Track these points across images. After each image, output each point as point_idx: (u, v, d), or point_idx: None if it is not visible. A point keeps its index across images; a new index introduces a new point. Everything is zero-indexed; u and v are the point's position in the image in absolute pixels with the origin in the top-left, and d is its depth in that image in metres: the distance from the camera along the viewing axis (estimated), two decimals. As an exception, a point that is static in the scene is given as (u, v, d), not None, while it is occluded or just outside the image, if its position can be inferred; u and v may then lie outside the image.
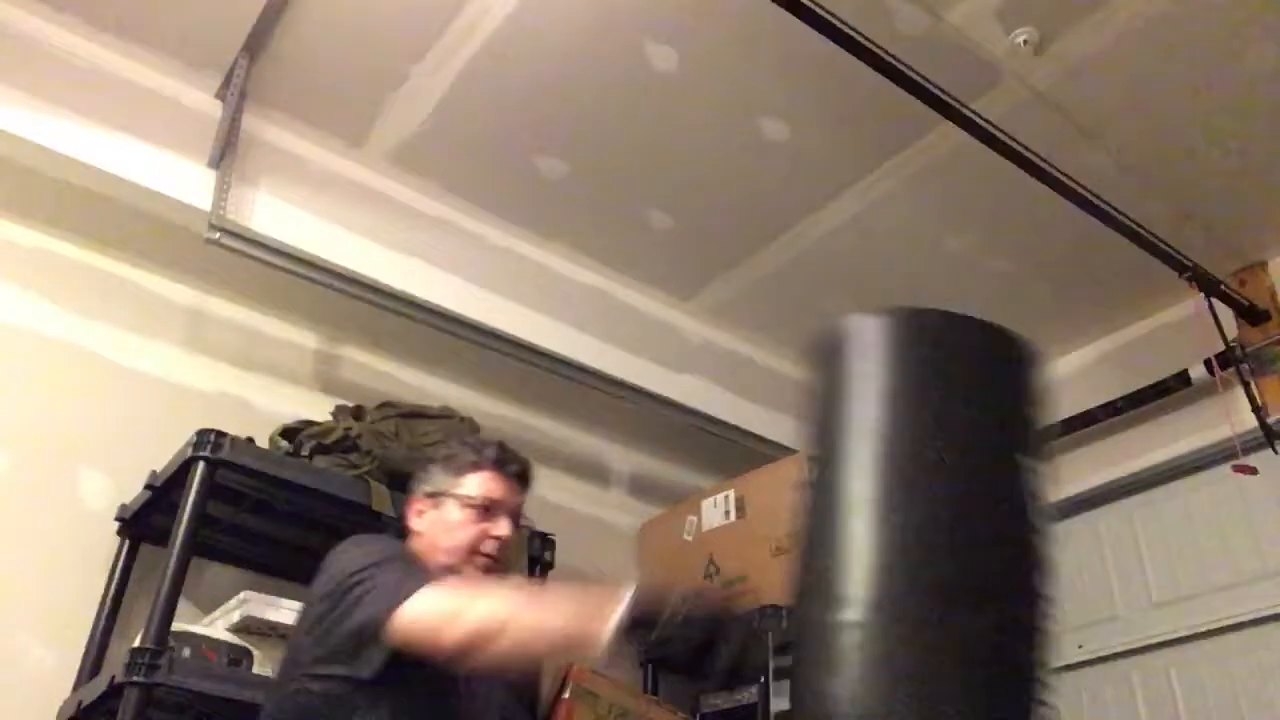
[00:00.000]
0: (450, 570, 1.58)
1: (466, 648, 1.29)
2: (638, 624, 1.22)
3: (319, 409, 2.54)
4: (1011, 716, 1.04)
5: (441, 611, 1.33)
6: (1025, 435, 1.17)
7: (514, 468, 1.69)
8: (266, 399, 2.63)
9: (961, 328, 1.20)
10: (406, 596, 1.34)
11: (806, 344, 1.28)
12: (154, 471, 2.23)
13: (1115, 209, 2.60)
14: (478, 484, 1.64)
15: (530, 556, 2.45)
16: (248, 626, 2.04)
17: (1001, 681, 1.05)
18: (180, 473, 2.07)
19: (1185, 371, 3.01)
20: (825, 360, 1.24)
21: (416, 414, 2.44)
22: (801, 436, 1.24)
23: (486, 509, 1.63)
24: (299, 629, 1.51)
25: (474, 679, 1.52)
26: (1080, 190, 2.53)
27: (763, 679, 2.60)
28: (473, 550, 1.60)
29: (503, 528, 1.62)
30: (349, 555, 1.49)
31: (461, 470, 1.66)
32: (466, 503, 1.62)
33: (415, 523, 1.66)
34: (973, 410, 1.15)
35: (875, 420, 1.14)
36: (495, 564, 1.62)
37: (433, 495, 1.66)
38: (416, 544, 1.65)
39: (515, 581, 1.29)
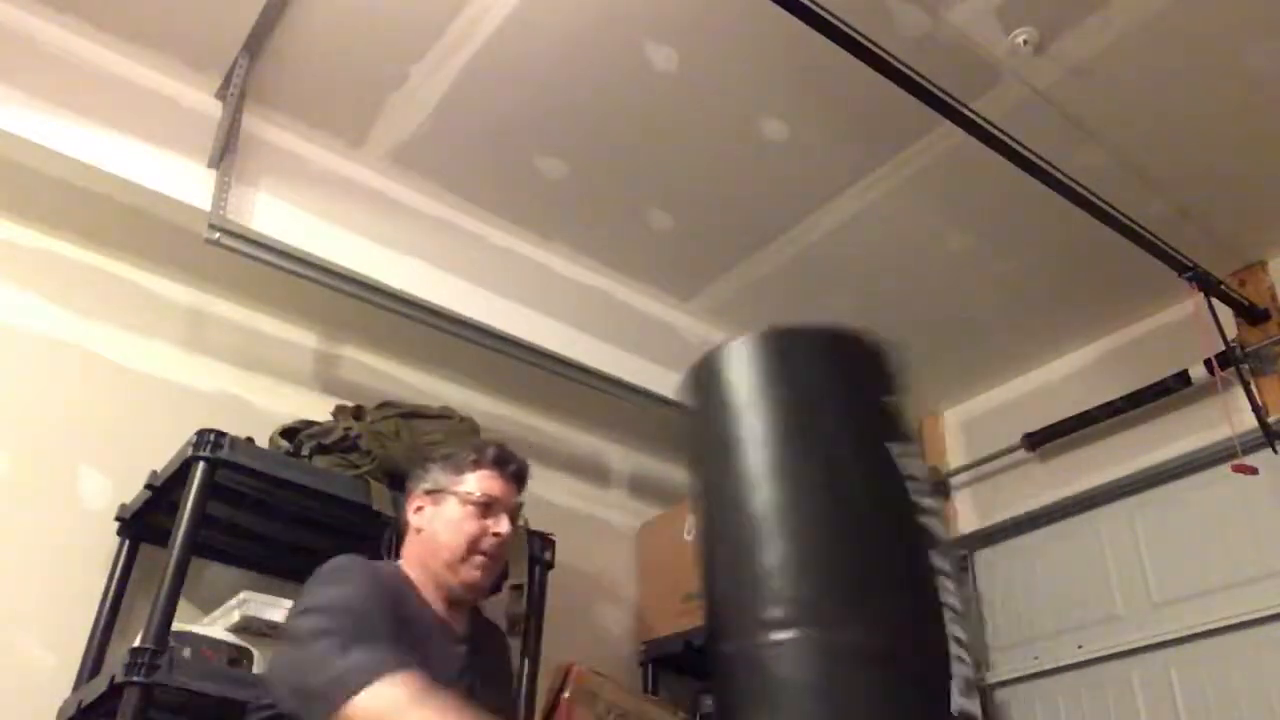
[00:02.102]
0: (450, 568, 1.59)
1: None
2: None
3: (319, 409, 2.54)
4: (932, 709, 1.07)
5: (387, 712, 1.29)
6: (890, 423, 1.22)
7: (513, 467, 1.73)
8: (266, 399, 2.63)
9: (806, 336, 1.29)
10: (360, 682, 1.29)
11: (679, 386, 1.36)
12: (154, 471, 2.22)
13: (1115, 209, 2.59)
14: (478, 482, 1.67)
15: (530, 556, 2.45)
16: (248, 626, 2.04)
17: (918, 670, 1.08)
18: (180, 473, 2.07)
19: (1185, 371, 3.01)
20: (700, 390, 1.31)
21: (416, 414, 2.45)
22: (688, 473, 1.30)
23: (486, 506, 1.65)
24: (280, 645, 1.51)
25: (459, 685, 1.51)
26: (1080, 190, 2.53)
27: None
28: (472, 548, 1.62)
29: (503, 525, 1.65)
30: (315, 595, 1.45)
31: (462, 468, 1.69)
32: (466, 500, 1.65)
33: (414, 519, 1.69)
34: (835, 410, 1.23)
35: (754, 438, 1.20)
36: (493, 561, 1.65)
37: (432, 492, 1.68)
38: (415, 541, 1.65)
39: (453, 704, 1.29)
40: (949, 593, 1.12)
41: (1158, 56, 2.38)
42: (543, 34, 2.43)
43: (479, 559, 1.62)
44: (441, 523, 1.64)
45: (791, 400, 1.22)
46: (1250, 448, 2.76)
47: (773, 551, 1.12)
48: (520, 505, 1.76)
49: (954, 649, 1.08)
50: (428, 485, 1.70)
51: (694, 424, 1.31)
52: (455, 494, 1.66)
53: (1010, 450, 3.44)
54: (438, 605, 1.62)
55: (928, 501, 1.18)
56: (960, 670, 1.07)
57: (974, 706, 1.08)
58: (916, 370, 1.44)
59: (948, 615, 1.10)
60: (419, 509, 1.69)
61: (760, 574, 1.12)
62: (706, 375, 1.30)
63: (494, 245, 3.07)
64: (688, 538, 2.94)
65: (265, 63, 2.55)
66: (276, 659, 1.47)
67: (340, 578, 1.49)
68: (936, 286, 3.18)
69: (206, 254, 2.47)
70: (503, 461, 1.71)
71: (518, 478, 1.73)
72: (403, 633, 1.44)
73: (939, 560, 1.14)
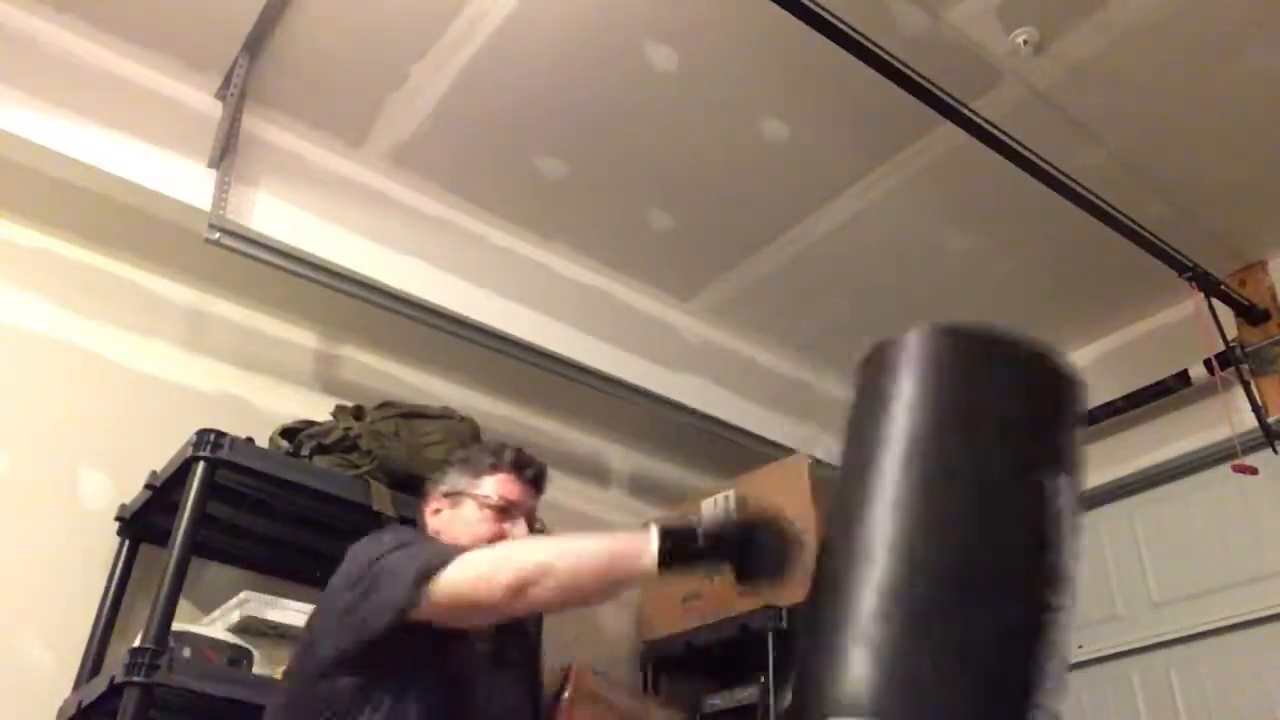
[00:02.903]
0: None
1: (515, 591, 1.31)
2: (677, 540, 1.28)
3: (319, 409, 2.54)
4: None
5: (485, 563, 1.36)
6: (1056, 452, 1.17)
7: (530, 472, 1.74)
8: (266, 399, 2.63)
9: (1004, 344, 1.22)
10: (444, 561, 1.36)
11: (856, 359, 1.30)
12: (154, 471, 2.22)
13: (1115, 209, 2.60)
14: (495, 486, 1.68)
15: (530, 556, 2.45)
16: (248, 626, 2.04)
17: (1000, 689, 1.06)
18: (180, 473, 2.07)
19: (1185, 371, 3.01)
20: (868, 371, 1.26)
21: (416, 414, 2.44)
22: (838, 447, 1.27)
23: (504, 510, 1.67)
24: (318, 623, 1.51)
25: (490, 684, 1.53)
26: (1080, 190, 2.54)
27: (763, 679, 2.60)
28: None
29: (520, 528, 1.67)
30: (378, 539, 1.51)
31: (480, 472, 1.70)
32: (484, 503, 1.66)
33: (431, 521, 1.70)
34: (1004, 426, 1.17)
35: (906, 428, 1.16)
36: None
37: (450, 495, 1.70)
38: None
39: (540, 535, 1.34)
40: (1051, 625, 1.09)
41: (1158, 56, 2.38)
42: (543, 34, 2.43)
43: None
44: (459, 525, 1.65)
45: (960, 404, 1.16)
46: (1250, 448, 2.77)
47: (891, 546, 1.08)
48: (536, 509, 1.76)
49: (1039, 680, 1.06)
50: (445, 488, 1.71)
51: (854, 410, 1.24)
52: (473, 497, 1.67)
53: (1010, 450, 3.43)
54: None
55: (1070, 539, 1.13)
56: (1040, 700, 1.06)
57: None
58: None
59: (1040, 647, 1.08)
60: (436, 511, 1.70)
61: (872, 562, 1.08)
62: (878, 364, 1.23)
63: (494, 245, 3.07)
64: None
65: (265, 63, 2.55)
66: (341, 615, 1.44)
67: (383, 533, 1.56)
68: (936, 286, 3.18)
69: (206, 254, 2.47)
70: (521, 465, 1.72)
71: (536, 482, 1.74)
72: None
73: (1049, 593, 1.10)
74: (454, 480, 1.71)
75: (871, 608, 1.06)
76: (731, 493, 2.88)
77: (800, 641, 1.15)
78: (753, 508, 1.39)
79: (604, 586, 1.40)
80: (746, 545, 1.30)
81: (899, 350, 1.22)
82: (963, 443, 1.15)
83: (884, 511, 1.11)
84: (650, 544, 1.28)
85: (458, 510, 1.67)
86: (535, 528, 1.73)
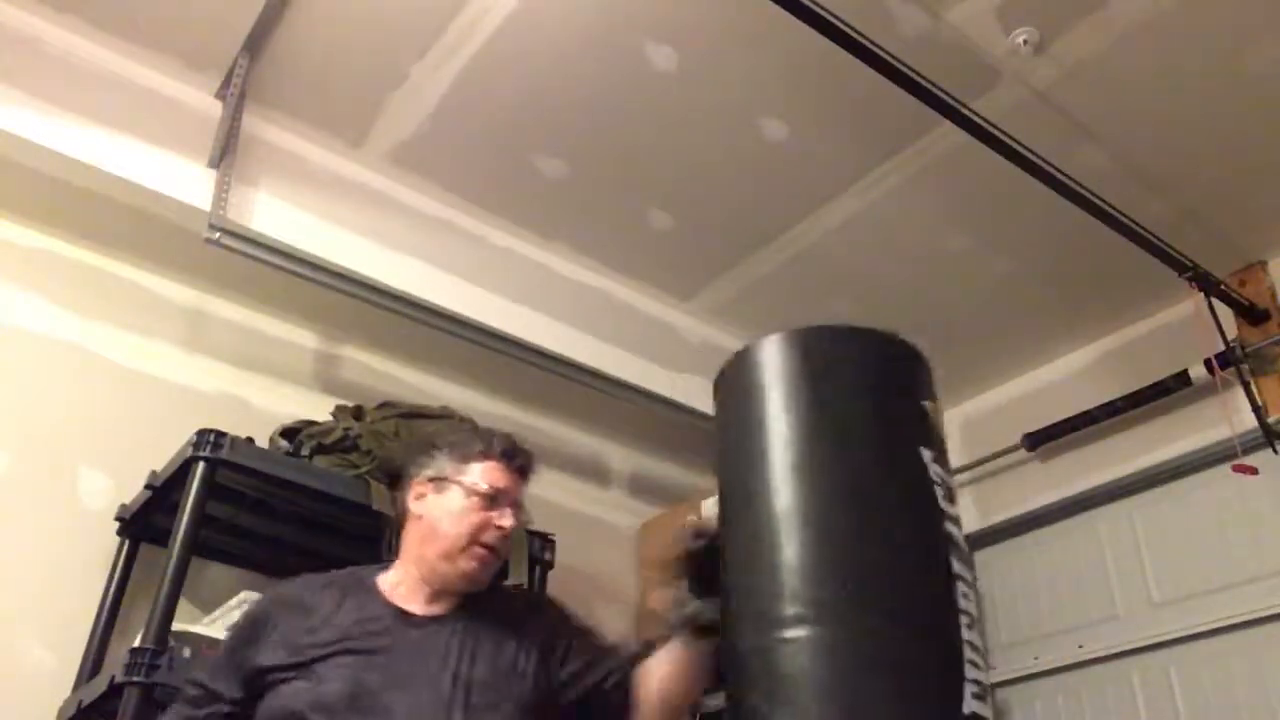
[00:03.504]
0: (447, 558, 1.56)
1: None
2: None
3: (319, 409, 2.54)
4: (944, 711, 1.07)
5: None
6: (921, 428, 1.22)
7: (520, 460, 1.67)
8: (266, 399, 2.63)
9: (843, 337, 1.30)
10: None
11: (716, 377, 1.37)
12: (154, 471, 2.23)
13: (1115, 209, 2.59)
14: (484, 473, 1.61)
15: (530, 556, 2.45)
16: (248, 626, 2.04)
17: (930, 665, 1.08)
18: (180, 473, 2.07)
19: (1185, 371, 3.01)
20: (729, 388, 1.31)
21: (416, 414, 2.45)
22: (713, 468, 1.31)
23: (491, 499, 1.60)
24: None
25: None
26: (1080, 190, 2.53)
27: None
28: (473, 539, 1.57)
29: (507, 518, 1.60)
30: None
31: (468, 458, 1.63)
32: (472, 490, 1.60)
33: (414, 506, 1.63)
34: (868, 412, 1.23)
35: (781, 437, 1.21)
36: (493, 554, 1.59)
37: (435, 480, 1.62)
38: (415, 528, 1.62)
39: None
40: (966, 599, 1.12)
41: (1158, 56, 2.38)
42: (543, 34, 2.43)
43: (479, 550, 1.57)
44: (443, 511, 1.59)
45: (822, 399, 1.21)
46: (1250, 448, 2.76)
47: (791, 549, 1.12)
48: (523, 498, 1.72)
49: (968, 653, 1.08)
50: (431, 472, 1.63)
51: (722, 421, 1.30)
52: (460, 483, 1.60)
53: (1010, 450, 3.44)
54: (414, 595, 1.57)
55: (952, 508, 1.17)
56: (973, 674, 1.07)
57: (986, 710, 1.08)
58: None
59: (963, 621, 1.10)
60: (420, 495, 1.63)
61: (777, 571, 1.12)
62: (737, 372, 1.29)
63: (494, 245, 3.07)
64: (688, 538, 2.94)
65: (265, 63, 2.55)
66: None
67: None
68: (936, 286, 3.18)
69: (206, 254, 2.47)
70: (510, 454, 1.65)
71: (524, 471, 1.67)
72: (291, 639, 1.48)
73: (959, 566, 1.14)
74: (440, 465, 1.63)
75: (790, 621, 1.09)
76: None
77: (728, 680, 1.20)
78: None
79: None
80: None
81: (755, 362, 1.29)
82: (831, 442, 1.20)
83: (781, 522, 1.16)
84: None
85: (442, 496, 1.60)
86: (522, 518, 1.69)
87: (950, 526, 1.16)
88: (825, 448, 1.19)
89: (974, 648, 1.10)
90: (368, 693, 1.43)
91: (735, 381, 1.30)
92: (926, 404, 1.25)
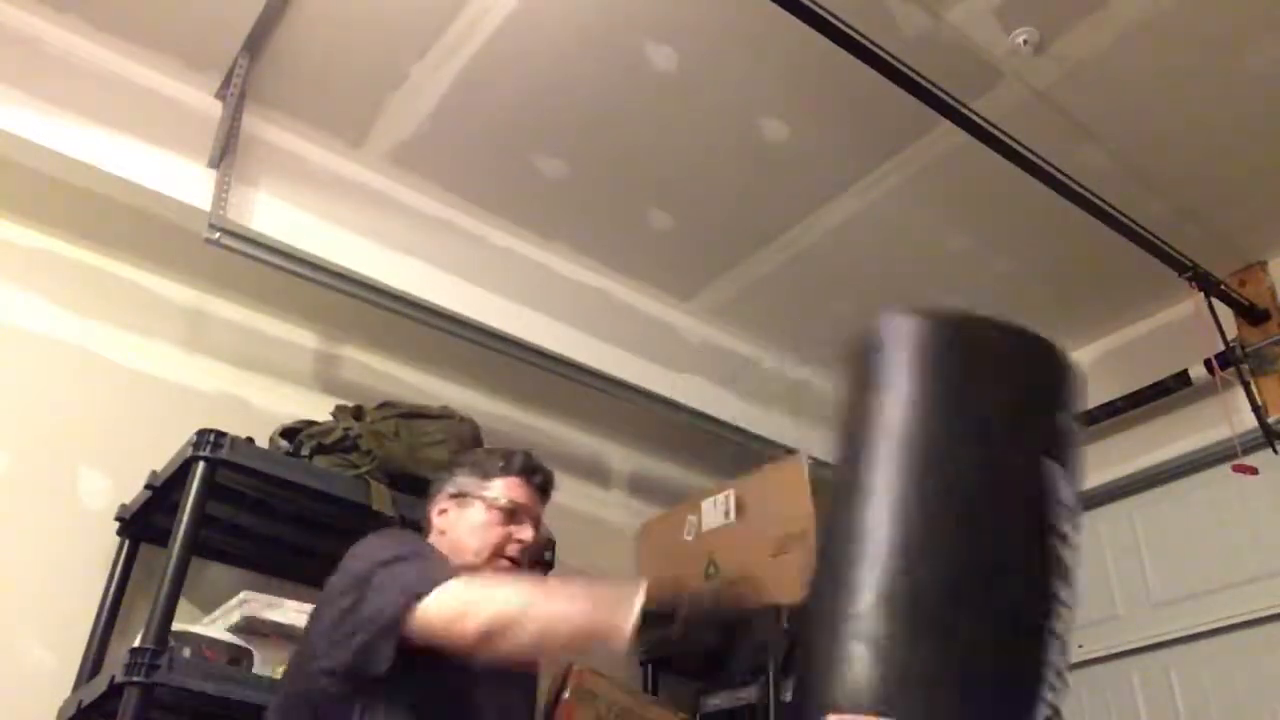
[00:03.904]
0: (473, 569, 1.59)
1: (485, 637, 1.31)
2: (653, 619, 1.27)
3: (319, 409, 2.54)
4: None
5: (461, 601, 1.36)
6: (1052, 439, 1.16)
7: (539, 477, 1.76)
8: (266, 399, 2.63)
9: (996, 330, 1.21)
10: (430, 586, 1.37)
11: (841, 346, 1.28)
12: (154, 471, 2.22)
13: (1115, 209, 2.60)
14: (505, 489, 1.69)
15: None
16: (248, 626, 2.04)
17: (1005, 683, 1.05)
18: (180, 473, 2.07)
19: (1185, 371, 3.01)
20: (857, 360, 1.23)
21: (416, 414, 2.44)
22: (832, 436, 1.25)
23: (512, 514, 1.68)
24: (315, 624, 1.52)
25: (485, 685, 1.53)
26: (1080, 190, 2.53)
27: (763, 679, 2.60)
28: (496, 553, 1.65)
29: (527, 532, 1.68)
30: (376, 545, 1.51)
31: (489, 474, 1.71)
32: (493, 505, 1.67)
33: (437, 521, 1.70)
34: (999, 412, 1.16)
35: (900, 418, 1.14)
36: (514, 567, 1.67)
37: (457, 496, 1.70)
38: (438, 543, 1.68)
39: (535, 577, 1.33)
40: (1061, 621, 1.09)
41: (1158, 56, 2.38)
42: (543, 34, 2.43)
43: (501, 563, 1.65)
44: (466, 527, 1.66)
45: (954, 391, 1.14)
46: (1250, 448, 2.77)
47: (890, 536, 1.06)
48: (543, 514, 1.77)
49: (1049, 675, 1.06)
50: (453, 489, 1.71)
51: (845, 398, 1.22)
52: (481, 499, 1.68)
53: (1010, 450, 3.43)
54: None
55: (1068, 529, 1.12)
56: (1049, 696, 1.06)
57: None
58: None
59: (1052, 643, 1.07)
60: (443, 512, 1.70)
61: (871, 558, 1.07)
62: (866, 351, 1.21)
63: (494, 245, 3.07)
64: (688, 538, 2.94)
65: (265, 63, 2.55)
66: (337, 619, 1.44)
67: (387, 536, 1.60)
68: (936, 286, 3.18)
69: (206, 254, 2.47)
70: (530, 470, 1.74)
71: (543, 488, 1.76)
72: None
73: (1061, 589, 1.10)
74: (462, 482, 1.72)
75: (870, 605, 1.05)
76: (731, 493, 2.86)
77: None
78: (736, 600, 1.39)
79: (575, 646, 1.47)
80: (723, 642, 1.34)
81: (888, 337, 1.19)
82: (957, 434, 1.13)
83: (881, 506, 1.10)
84: (628, 620, 1.27)
85: (464, 512, 1.68)
86: (542, 533, 1.74)
87: (1061, 546, 1.11)
88: (945, 438, 1.11)
89: (1058, 674, 1.07)
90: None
91: (864, 359, 1.20)
92: (1064, 416, 1.17)
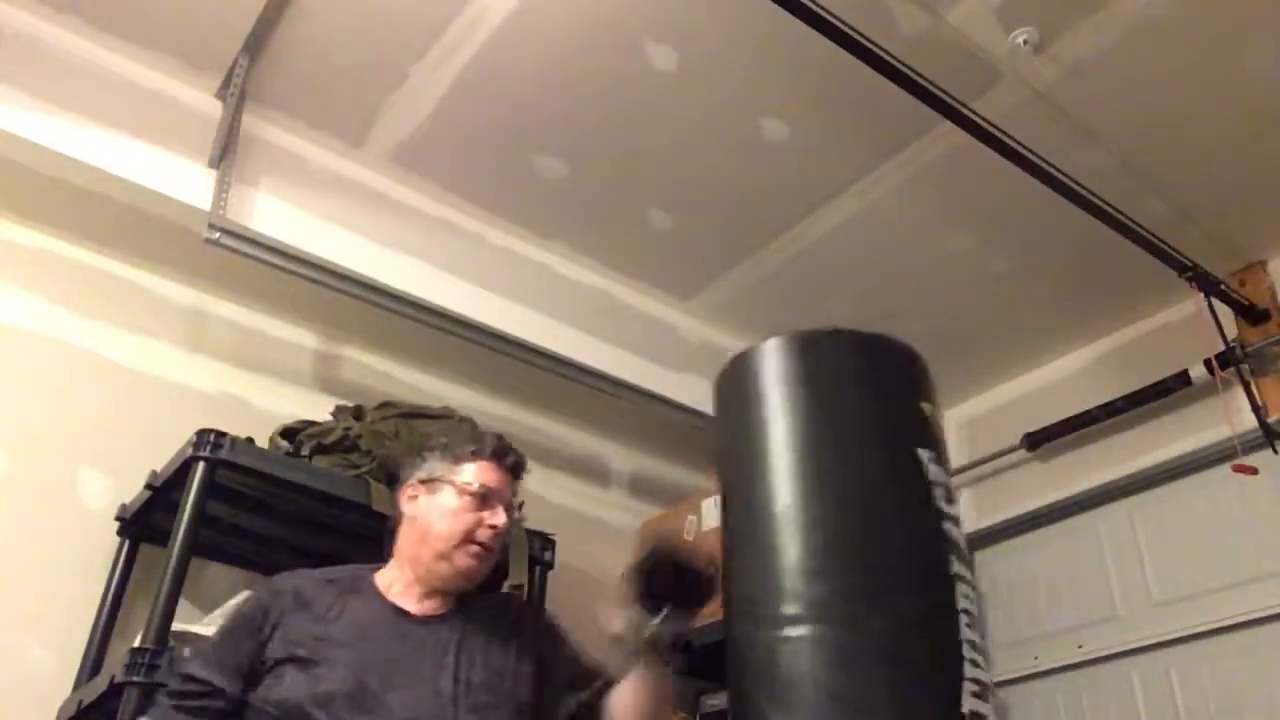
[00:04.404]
0: (443, 556, 1.58)
1: None
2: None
3: (319, 409, 2.54)
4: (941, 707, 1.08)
5: None
6: (919, 429, 1.24)
7: (510, 459, 1.71)
8: (266, 399, 2.63)
9: (841, 341, 1.32)
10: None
11: (715, 380, 1.39)
12: (154, 471, 2.22)
13: (1115, 209, 2.59)
14: (476, 473, 1.65)
15: (530, 557, 2.45)
16: (248, 626, 2.03)
17: (928, 664, 1.09)
18: (180, 473, 2.07)
19: (1185, 371, 3.01)
20: (729, 391, 1.34)
21: (416, 414, 2.44)
22: (715, 470, 1.36)
23: (483, 498, 1.63)
24: None
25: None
26: (1080, 190, 2.53)
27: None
28: (467, 537, 1.60)
29: (499, 517, 1.63)
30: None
31: (460, 459, 1.67)
32: (464, 490, 1.63)
33: (408, 507, 1.66)
34: (866, 414, 1.25)
35: (781, 440, 1.23)
36: (488, 552, 1.62)
37: (427, 481, 1.66)
38: (408, 530, 1.65)
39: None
40: (965, 598, 1.13)
41: (1158, 56, 2.38)
42: (543, 34, 2.43)
43: (474, 548, 1.60)
44: (436, 512, 1.62)
45: (820, 402, 1.23)
46: (1250, 448, 2.76)
47: (792, 550, 1.13)
48: (515, 497, 1.74)
49: (967, 652, 1.09)
50: (423, 474, 1.67)
51: (722, 426, 1.32)
52: (452, 483, 1.63)
53: (1010, 450, 3.44)
54: (409, 595, 1.60)
55: (951, 508, 1.18)
56: (973, 673, 1.08)
57: (987, 709, 1.08)
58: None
59: (963, 620, 1.11)
60: (413, 497, 1.66)
61: (778, 572, 1.13)
62: (736, 375, 1.32)
63: (494, 245, 3.07)
64: (688, 538, 2.94)
65: (265, 63, 2.55)
66: None
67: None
68: (936, 286, 3.18)
69: (206, 254, 2.47)
70: (501, 453, 1.69)
71: (515, 470, 1.71)
72: (293, 633, 1.50)
73: (958, 566, 1.14)
74: (432, 466, 1.67)
75: (793, 634, 1.10)
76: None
77: (730, 674, 1.23)
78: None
79: None
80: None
81: (753, 366, 1.31)
82: (835, 443, 1.23)
83: (786, 520, 1.18)
84: None
85: (435, 497, 1.64)
86: (515, 518, 1.71)
87: (949, 526, 1.17)
88: (824, 450, 1.20)
89: (974, 647, 1.10)
90: (369, 691, 1.44)
91: (734, 385, 1.32)
92: (924, 406, 1.26)
